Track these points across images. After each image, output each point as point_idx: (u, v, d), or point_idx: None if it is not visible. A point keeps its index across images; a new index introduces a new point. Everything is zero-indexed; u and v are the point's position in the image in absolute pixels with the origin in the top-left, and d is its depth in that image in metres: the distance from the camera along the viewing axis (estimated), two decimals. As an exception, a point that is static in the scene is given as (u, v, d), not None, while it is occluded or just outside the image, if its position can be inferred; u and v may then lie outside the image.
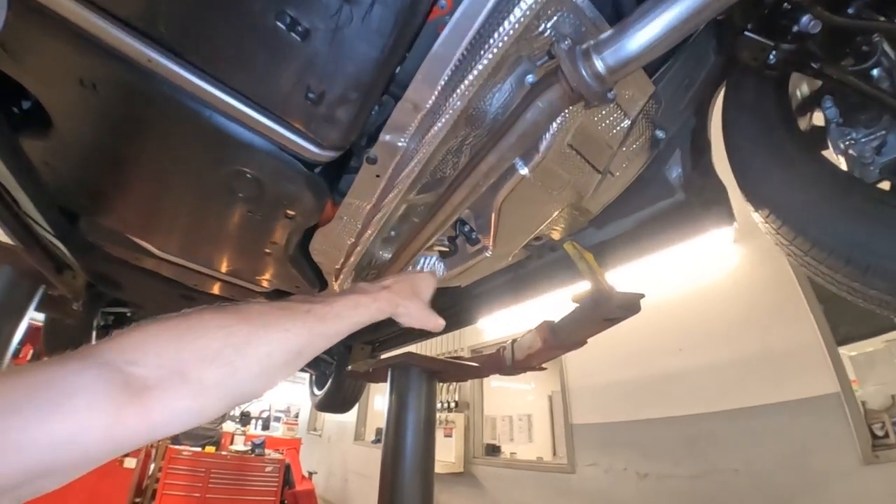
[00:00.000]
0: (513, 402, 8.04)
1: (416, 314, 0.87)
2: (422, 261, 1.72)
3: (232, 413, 9.53)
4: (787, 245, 1.04)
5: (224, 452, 6.99)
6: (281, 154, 0.99)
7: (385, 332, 2.59)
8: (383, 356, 3.08)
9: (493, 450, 6.34)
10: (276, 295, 1.92)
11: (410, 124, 0.89)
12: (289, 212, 1.19)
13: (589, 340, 1.73)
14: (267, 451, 7.33)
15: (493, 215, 1.22)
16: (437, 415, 4.35)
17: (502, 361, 2.21)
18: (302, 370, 4.22)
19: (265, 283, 1.76)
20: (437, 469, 3.77)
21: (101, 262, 1.88)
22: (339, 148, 0.99)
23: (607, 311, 1.31)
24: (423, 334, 2.70)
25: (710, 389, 3.84)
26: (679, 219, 1.33)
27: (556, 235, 1.48)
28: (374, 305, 0.76)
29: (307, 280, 1.64)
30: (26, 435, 0.38)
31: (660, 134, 1.22)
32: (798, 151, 1.00)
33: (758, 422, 3.50)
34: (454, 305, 2.20)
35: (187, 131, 0.97)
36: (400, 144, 0.94)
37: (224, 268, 1.66)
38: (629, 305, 1.32)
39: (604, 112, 1.00)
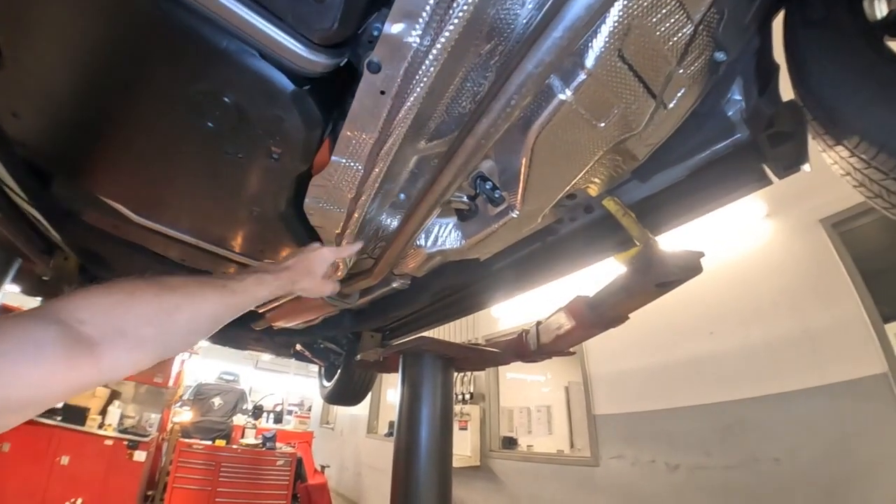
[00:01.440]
0: (528, 393, 7.84)
1: (311, 286, 1.07)
2: (436, 228, 1.52)
3: (244, 406, 9.49)
4: (880, 180, 0.89)
5: (234, 446, 6.89)
6: (260, 63, 0.79)
7: (395, 317, 2.39)
8: (395, 343, 2.90)
9: (510, 442, 6.15)
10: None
11: (426, 6, 0.68)
12: (274, 150, 0.99)
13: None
14: (278, 444, 7.22)
15: (522, 160, 1.01)
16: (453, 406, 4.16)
17: (526, 346, 2.01)
18: (311, 361, 4.05)
19: (259, 256, 1.56)
20: (453, 463, 3.59)
21: (85, 236, 1.72)
22: (334, 42, 0.77)
23: (662, 273, 1.10)
24: (436, 319, 2.49)
25: (744, 374, 3.59)
26: (741, 163, 1.12)
27: (593, 190, 1.27)
28: (275, 283, 0.92)
29: (306, 251, 1.45)
30: (8, 376, 0.48)
31: (720, 56, 1.01)
32: (892, 67, 0.84)
33: (798, 407, 3.26)
34: (470, 285, 2.00)
35: (145, 37, 0.78)
36: (410, 41, 0.73)
37: (210, 236, 1.46)
38: (689, 265, 1.11)
39: (664, 11, 0.79)
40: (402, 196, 1.50)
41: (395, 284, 1.98)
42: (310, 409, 12.94)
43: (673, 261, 1.09)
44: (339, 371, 3.77)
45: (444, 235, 1.49)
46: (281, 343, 3.75)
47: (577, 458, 5.01)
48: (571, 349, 1.92)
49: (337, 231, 1.26)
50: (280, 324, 2.63)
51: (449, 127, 1.09)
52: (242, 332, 3.18)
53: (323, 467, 7.84)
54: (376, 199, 1.34)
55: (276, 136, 0.93)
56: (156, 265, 1.85)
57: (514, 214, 1.20)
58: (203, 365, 12.70)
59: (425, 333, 2.67)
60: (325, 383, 4.04)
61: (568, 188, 1.14)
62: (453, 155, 0.88)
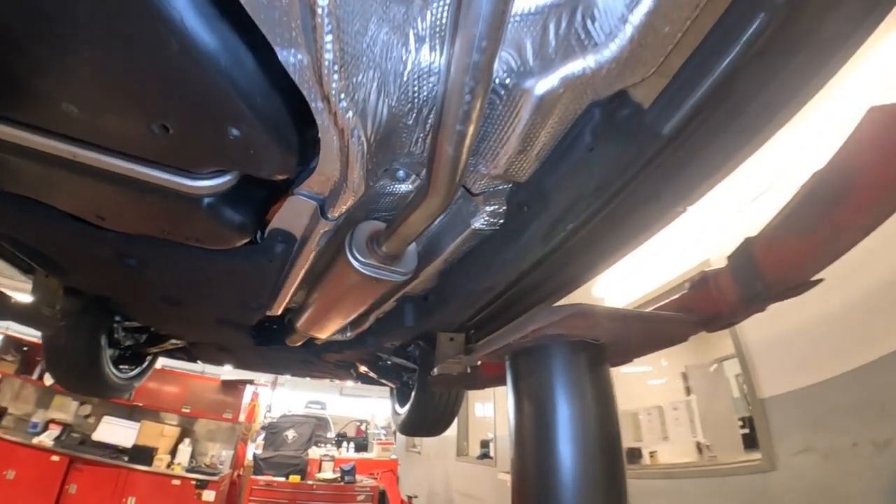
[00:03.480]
0: (630, 388, 6.29)
1: None
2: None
3: (328, 435, 9.06)
4: None
5: (310, 482, 6.44)
6: None
7: (483, 290, 1.46)
8: (484, 341, 1.97)
9: (634, 455, 4.92)
10: (239, 194, 0.92)
11: None
12: None
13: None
14: (359, 476, 6.57)
15: None
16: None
17: (723, 297, 1.08)
18: (378, 383, 3.24)
19: (189, 163, 0.76)
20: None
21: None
22: None
23: None
24: (550, 292, 1.57)
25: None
26: None
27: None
28: None
29: (264, 123, 0.61)
30: None
31: None
32: None
33: None
34: (624, 188, 1.03)
35: None
36: None
37: (101, 133, 0.69)
38: None
39: None
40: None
41: (475, 223, 1.13)
42: (395, 433, 12.32)
43: None
44: (413, 393, 2.88)
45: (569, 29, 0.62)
46: (336, 363, 2.96)
47: (741, 466, 3.66)
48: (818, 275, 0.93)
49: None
50: (319, 334, 1.84)
51: None
52: (284, 353, 2.46)
53: (410, 498, 7.07)
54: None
55: None
56: (72, 238, 1.19)
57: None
58: (290, 396, 12.68)
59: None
60: (399, 410, 3.16)
61: None
62: None
